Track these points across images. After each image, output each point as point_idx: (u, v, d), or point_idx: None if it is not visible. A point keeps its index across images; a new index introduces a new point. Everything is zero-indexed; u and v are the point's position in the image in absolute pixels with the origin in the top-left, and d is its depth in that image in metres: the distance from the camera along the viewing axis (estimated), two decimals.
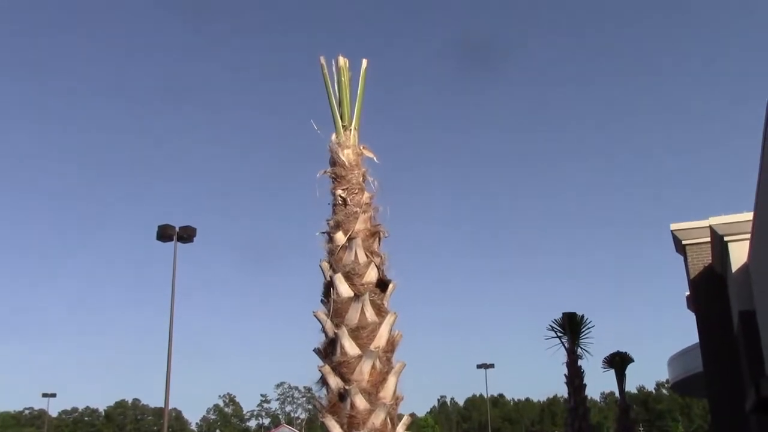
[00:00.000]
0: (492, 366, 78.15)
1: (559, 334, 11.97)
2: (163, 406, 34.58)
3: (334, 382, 4.34)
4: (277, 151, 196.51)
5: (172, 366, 32.94)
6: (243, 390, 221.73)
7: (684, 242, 27.32)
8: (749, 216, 18.99)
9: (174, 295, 33.40)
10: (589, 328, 11.82)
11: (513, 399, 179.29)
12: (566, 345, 11.86)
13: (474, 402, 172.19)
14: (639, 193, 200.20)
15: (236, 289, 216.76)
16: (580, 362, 11.77)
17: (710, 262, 26.90)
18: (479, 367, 79.66)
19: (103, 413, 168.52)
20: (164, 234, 34.05)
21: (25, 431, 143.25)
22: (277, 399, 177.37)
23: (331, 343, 4.46)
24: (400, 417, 4.47)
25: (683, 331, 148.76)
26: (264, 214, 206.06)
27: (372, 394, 4.30)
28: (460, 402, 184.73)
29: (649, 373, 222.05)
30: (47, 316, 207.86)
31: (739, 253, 22.06)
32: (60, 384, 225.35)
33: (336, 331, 4.43)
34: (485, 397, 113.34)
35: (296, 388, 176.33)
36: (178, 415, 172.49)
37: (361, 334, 4.39)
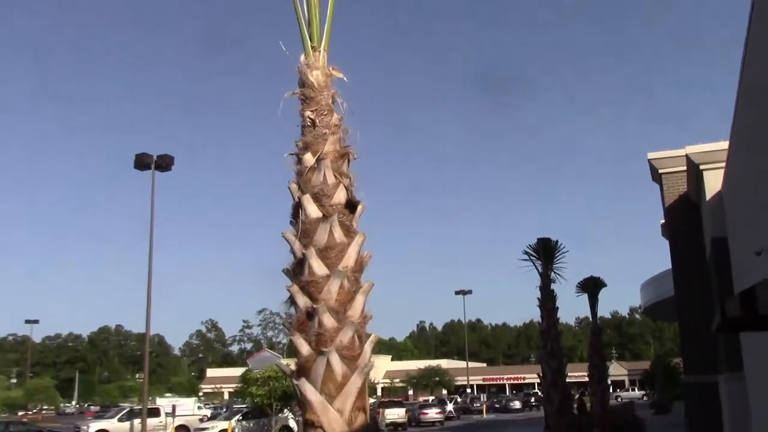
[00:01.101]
0: (470, 292, 79.60)
1: (534, 259, 12.12)
2: (144, 330, 35.08)
3: (303, 301, 4.39)
4: (250, 75, 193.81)
5: (154, 293, 33.20)
6: (225, 316, 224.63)
7: (660, 171, 27.55)
8: (725, 145, 19.10)
9: (153, 222, 33.43)
10: (562, 253, 11.99)
11: (490, 324, 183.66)
12: (540, 270, 12.03)
13: (452, 327, 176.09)
14: (618, 122, 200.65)
15: (217, 218, 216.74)
16: (553, 286, 11.95)
17: (685, 190, 27.20)
18: (457, 293, 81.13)
19: (86, 339, 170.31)
20: (141, 162, 33.78)
21: (9, 357, 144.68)
22: (259, 324, 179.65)
23: (300, 263, 4.49)
24: (368, 335, 4.54)
25: (657, 259, 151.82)
26: (244, 141, 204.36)
27: (340, 312, 4.35)
28: (439, 327, 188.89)
29: (622, 299, 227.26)
30: (28, 243, 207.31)
31: (713, 182, 22.30)
32: (42, 311, 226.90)
33: (304, 251, 4.45)
34: (463, 322, 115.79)
35: (278, 314, 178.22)
36: (161, 341, 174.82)
37: (330, 254, 4.42)
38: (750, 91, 12.44)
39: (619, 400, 57.94)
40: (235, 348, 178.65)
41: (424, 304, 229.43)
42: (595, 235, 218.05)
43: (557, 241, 11.99)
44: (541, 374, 11.54)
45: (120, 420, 37.34)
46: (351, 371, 4.22)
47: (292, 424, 34.76)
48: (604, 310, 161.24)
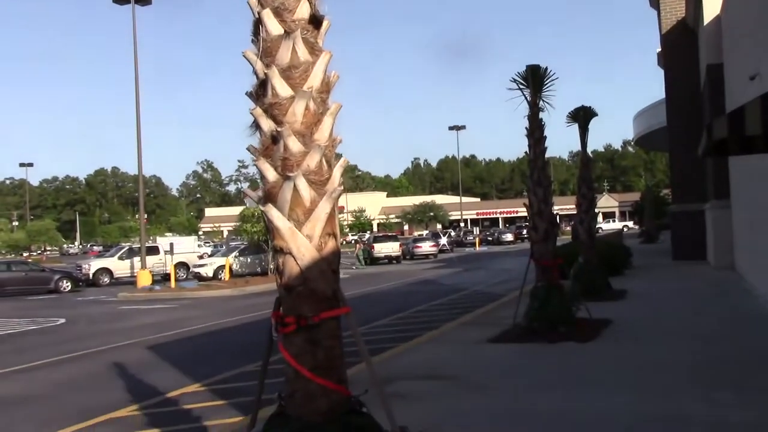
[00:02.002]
0: (463, 128, 79.20)
1: (522, 87, 11.76)
2: (143, 172, 35.06)
3: (267, 124, 4.16)
4: None
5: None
6: (221, 156, 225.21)
7: None
8: None
9: (137, 58, 32.43)
10: (552, 80, 11.59)
11: (484, 159, 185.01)
12: (528, 98, 11.71)
13: (446, 163, 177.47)
14: None
15: (206, 55, 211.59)
16: (542, 116, 11.68)
17: (683, 15, 26.27)
18: (451, 128, 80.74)
19: (83, 181, 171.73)
20: None
21: (8, 200, 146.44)
22: (255, 164, 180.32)
23: (262, 84, 4.21)
24: (338, 158, 4.35)
25: (654, 92, 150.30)
26: None
27: (306, 135, 4.13)
28: (433, 163, 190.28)
29: (616, 132, 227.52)
30: (17, 87, 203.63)
31: (712, 7, 21.48)
32: (36, 154, 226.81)
33: (266, 71, 4.16)
34: (457, 158, 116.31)
35: None
36: (158, 182, 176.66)
37: (293, 74, 4.13)
38: None
39: (600, 231, 59.21)
40: (232, 188, 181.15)
41: (418, 141, 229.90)
42: (590, 67, 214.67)
43: (546, 68, 11.56)
44: (527, 204, 11.51)
45: (120, 258, 38.25)
46: (319, 196, 4.08)
47: None
48: (597, 144, 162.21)
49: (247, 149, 4.30)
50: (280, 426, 4.07)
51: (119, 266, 37.68)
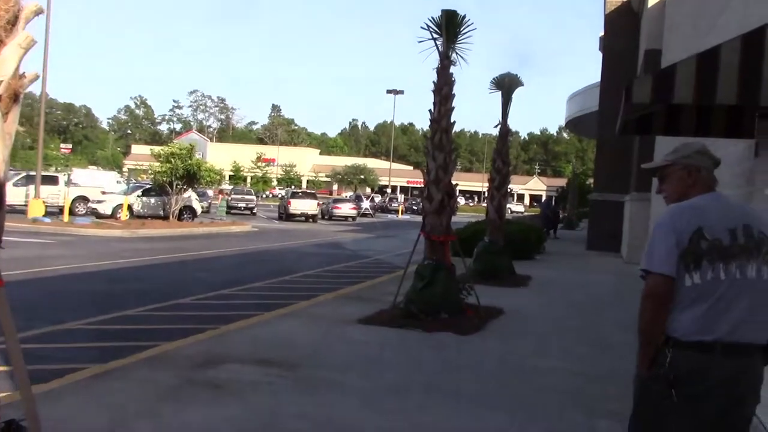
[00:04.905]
0: (402, 92, 77.38)
1: (435, 36, 10.17)
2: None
3: None
4: None
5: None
6: (155, 93, 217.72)
7: None
8: None
9: None
10: (469, 29, 10.05)
11: (422, 128, 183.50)
12: (440, 48, 10.14)
13: (384, 128, 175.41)
14: None
15: None
16: (452, 69, 10.13)
17: None
18: (389, 92, 78.85)
19: None
20: None
21: None
22: (190, 106, 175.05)
23: None
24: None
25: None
26: None
27: None
28: (371, 127, 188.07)
29: (554, 117, 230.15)
30: None
31: None
32: None
33: None
34: (394, 123, 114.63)
35: (209, 97, 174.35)
36: (88, 112, 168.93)
37: None
38: None
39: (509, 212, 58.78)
40: (164, 127, 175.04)
41: (357, 102, 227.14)
42: (534, 52, 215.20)
43: (464, 16, 10.01)
44: (424, 170, 10.00)
45: (15, 185, 35.32)
46: None
47: (196, 205, 33.59)
48: (534, 127, 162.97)
49: None
50: None
51: (13, 193, 34.72)
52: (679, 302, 2.87)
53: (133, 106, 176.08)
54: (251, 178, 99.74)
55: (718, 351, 2.80)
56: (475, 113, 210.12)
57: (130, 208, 31.07)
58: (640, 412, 3.03)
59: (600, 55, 28.01)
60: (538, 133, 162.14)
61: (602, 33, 28.44)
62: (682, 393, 2.83)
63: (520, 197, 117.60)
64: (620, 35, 25.11)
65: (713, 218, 2.92)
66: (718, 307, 2.82)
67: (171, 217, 30.37)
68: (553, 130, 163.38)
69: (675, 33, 16.10)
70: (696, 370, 2.82)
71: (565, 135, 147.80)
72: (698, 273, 2.85)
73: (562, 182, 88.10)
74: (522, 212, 70.74)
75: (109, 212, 31.65)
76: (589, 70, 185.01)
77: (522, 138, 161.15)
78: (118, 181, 51.14)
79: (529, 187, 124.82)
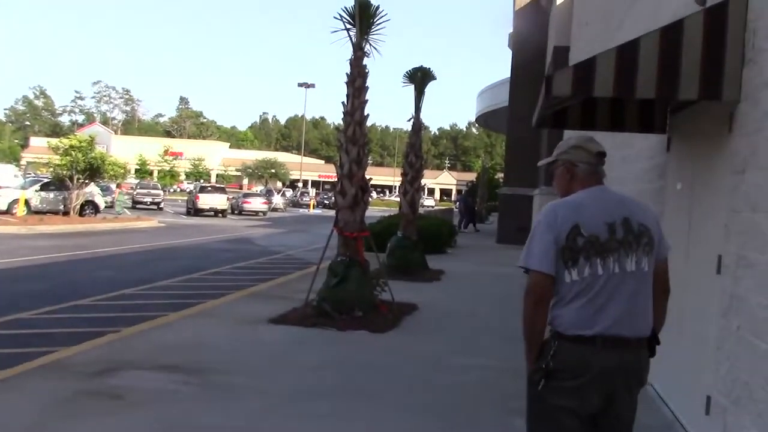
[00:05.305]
0: (313, 86, 76.91)
1: (348, 27, 9.92)
2: None
3: None
4: None
5: None
6: (56, 83, 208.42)
7: None
8: None
9: None
10: (383, 21, 9.86)
11: (333, 123, 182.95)
12: (354, 39, 9.89)
13: (295, 122, 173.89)
14: None
15: None
16: (366, 60, 9.90)
17: None
18: (300, 85, 78.16)
19: None
20: None
21: None
22: (93, 97, 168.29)
23: None
24: None
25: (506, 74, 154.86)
26: None
27: None
28: (282, 120, 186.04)
29: (463, 113, 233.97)
30: None
31: None
32: None
33: None
34: (305, 117, 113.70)
35: (113, 88, 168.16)
36: None
37: None
38: None
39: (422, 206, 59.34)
40: (65, 119, 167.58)
41: (268, 96, 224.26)
42: (448, 45, 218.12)
43: (378, 6, 9.78)
44: (336, 163, 9.72)
45: None
46: None
47: (99, 200, 32.16)
48: (444, 122, 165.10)
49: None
50: None
51: None
52: (561, 298, 2.88)
53: (31, 96, 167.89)
54: (158, 172, 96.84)
55: (599, 344, 2.81)
56: (386, 108, 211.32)
57: (27, 203, 29.47)
58: (530, 407, 3.01)
59: (509, 51, 28.43)
60: (448, 128, 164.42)
61: (512, 30, 28.87)
62: (566, 385, 2.84)
63: (431, 191, 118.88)
64: (529, 31, 25.52)
65: (590, 214, 2.90)
66: (598, 302, 2.83)
67: (72, 212, 29.00)
68: (462, 125, 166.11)
69: (583, 29, 16.40)
70: (578, 363, 2.82)
71: (474, 130, 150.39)
72: (576, 269, 2.85)
73: (471, 176, 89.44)
74: (433, 206, 71.42)
75: (4, 207, 29.90)
76: (498, 65, 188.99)
77: (432, 133, 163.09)
78: (15, 175, 48.53)
79: (440, 182, 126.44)
